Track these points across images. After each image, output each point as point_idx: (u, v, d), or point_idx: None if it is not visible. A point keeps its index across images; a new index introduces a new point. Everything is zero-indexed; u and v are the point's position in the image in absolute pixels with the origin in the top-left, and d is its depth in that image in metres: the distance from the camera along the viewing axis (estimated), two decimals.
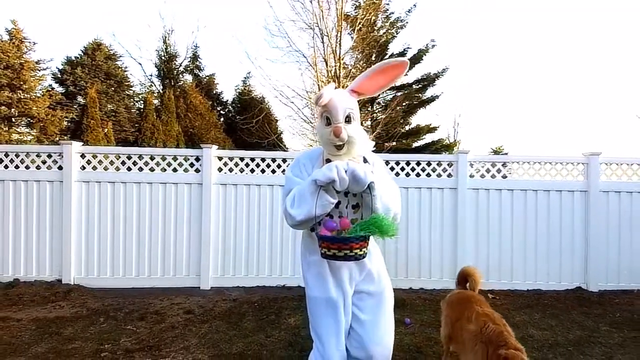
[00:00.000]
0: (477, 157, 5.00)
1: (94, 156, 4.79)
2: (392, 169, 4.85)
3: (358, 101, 1.85)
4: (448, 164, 4.93)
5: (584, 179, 4.84)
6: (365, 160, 1.81)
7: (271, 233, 4.78)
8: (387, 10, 15.83)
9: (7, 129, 13.45)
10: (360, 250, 1.57)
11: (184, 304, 4.05)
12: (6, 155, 4.72)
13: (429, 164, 4.92)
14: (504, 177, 4.94)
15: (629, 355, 2.91)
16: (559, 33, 32.50)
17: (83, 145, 4.98)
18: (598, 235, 4.76)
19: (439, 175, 4.89)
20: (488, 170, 4.91)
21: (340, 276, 1.81)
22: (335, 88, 1.79)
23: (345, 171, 1.58)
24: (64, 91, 16.95)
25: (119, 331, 3.33)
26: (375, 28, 14.70)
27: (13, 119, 14.11)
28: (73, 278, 4.62)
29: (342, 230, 1.64)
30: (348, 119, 1.71)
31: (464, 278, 2.67)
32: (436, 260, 4.82)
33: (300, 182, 1.75)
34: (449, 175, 4.89)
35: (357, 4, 13.84)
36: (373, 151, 2.05)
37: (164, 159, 4.85)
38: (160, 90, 17.64)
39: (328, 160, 1.75)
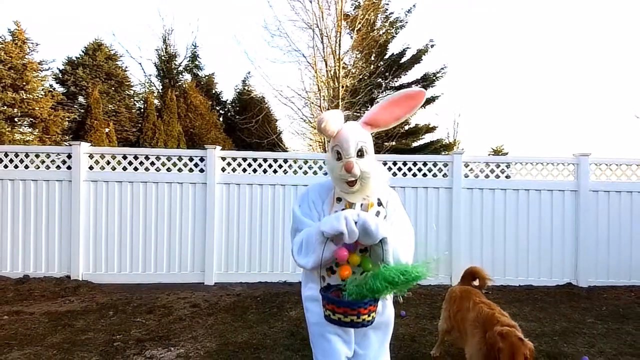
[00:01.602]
0: (471, 157, 5.18)
1: (102, 156, 4.96)
2: (389, 169, 5.03)
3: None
4: (443, 165, 5.11)
5: (575, 179, 5.02)
6: (379, 203, 1.67)
7: (273, 230, 4.95)
8: (387, 10, 16.00)
9: (10, 129, 13.57)
10: (369, 316, 1.43)
11: (190, 298, 4.23)
12: (16, 155, 4.89)
13: (425, 164, 5.09)
14: (497, 177, 5.12)
15: (610, 345, 3.10)
16: (558, 33, 32.73)
17: (90, 146, 5.15)
18: (588, 233, 4.95)
19: (434, 175, 5.07)
20: (482, 171, 5.10)
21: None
22: (346, 121, 1.66)
23: (356, 222, 1.45)
24: (65, 91, 17.08)
25: (129, 323, 3.50)
26: (375, 28, 14.85)
27: (16, 119, 14.24)
28: (81, 274, 4.80)
29: (337, 262, 1.53)
30: (360, 153, 1.56)
31: (472, 276, 2.86)
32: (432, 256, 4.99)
33: (309, 223, 1.62)
34: (444, 175, 5.07)
35: (357, 3, 13.98)
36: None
37: (169, 159, 5.03)
38: (160, 90, 17.78)
39: (339, 199, 1.65)
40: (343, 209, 1.58)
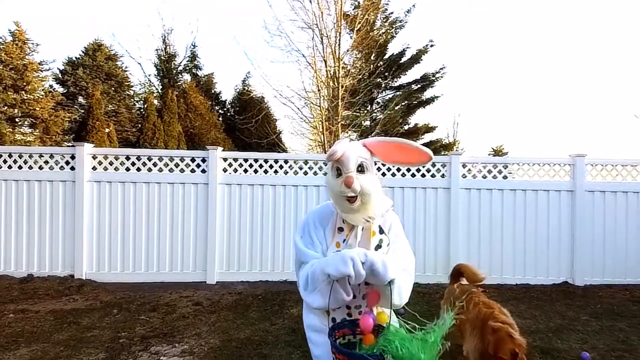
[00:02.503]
0: (469, 158, 5.26)
1: (105, 157, 5.03)
2: (388, 169, 5.11)
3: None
4: (442, 165, 5.18)
5: (571, 179, 5.10)
6: (381, 231, 1.62)
7: (273, 230, 5.03)
8: (386, 10, 16.08)
9: (11, 129, 13.64)
10: None
11: (192, 296, 4.30)
12: (20, 156, 4.95)
13: (423, 165, 5.16)
14: (495, 177, 5.19)
15: (602, 341, 3.18)
16: (558, 33, 32.82)
17: (94, 147, 5.22)
18: (584, 233, 5.03)
19: (433, 176, 5.15)
20: (480, 171, 5.18)
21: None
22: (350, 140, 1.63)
23: (363, 263, 1.40)
24: (64, 92, 17.14)
25: (133, 321, 3.57)
26: (375, 28, 14.92)
27: (17, 120, 14.30)
28: (85, 273, 4.87)
29: (361, 334, 1.45)
30: (361, 169, 1.53)
31: (460, 274, 2.93)
32: (430, 256, 5.08)
33: (313, 255, 1.57)
34: (443, 176, 5.15)
35: (356, 3, 14.03)
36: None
37: (171, 159, 5.10)
38: (160, 90, 17.84)
39: (341, 230, 1.60)
40: (344, 240, 1.57)
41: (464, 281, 2.93)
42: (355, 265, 1.38)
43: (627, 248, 5.04)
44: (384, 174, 5.11)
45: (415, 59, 16.75)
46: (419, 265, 5.05)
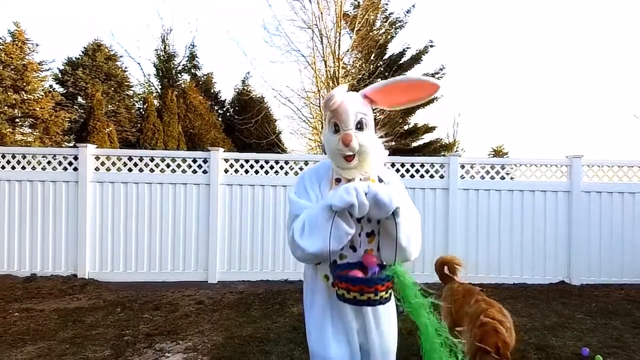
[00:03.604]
0: (468, 159, 5.34)
1: (108, 158, 5.09)
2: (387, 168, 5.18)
3: None
4: (440, 166, 5.25)
5: (567, 180, 5.17)
6: (380, 180, 1.55)
7: (274, 230, 5.09)
8: (386, 10, 16.11)
9: (11, 129, 13.67)
10: (386, 293, 1.33)
11: (194, 295, 4.36)
12: (23, 157, 5.01)
13: (422, 165, 5.24)
14: (492, 178, 5.26)
15: (596, 338, 3.26)
16: (557, 33, 32.93)
17: (97, 148, 5.28)
18: (580, 233, 5.11)
19: (431, 177, 5.22)
20: (478, 172, 5.25)
21: (346, 327, 1.53)
22: (348, 91, 1.54)
23: (366, 194, 1.34)
24: (64, 92, 17.16)
25: (137, 319, 3.63)
26: (374, 28, 14.97)
27: (17, 120, 14.33)
28: (88, 273, 4.92)
29: (367, 268, 1.43)
30: (360, 126, 1.46)
31: (442, 266, 3.01)
32: (429, 256, 5.12)
33: (309, 205, 1.49)
34: (441, 177, 5.22)
35: (356, 3, 14.07)
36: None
37: (174, 160, 5.16)
38: (159, 90, 17.86)
39: (338, 180, 1.52)
40: None
41: (447, 272, 2.99)
42: (359, 195, 1.33)
43: (623, 248, 5.11)
44: None
45: (415, 59, 16.80)
46: (418, 265, 5.13)
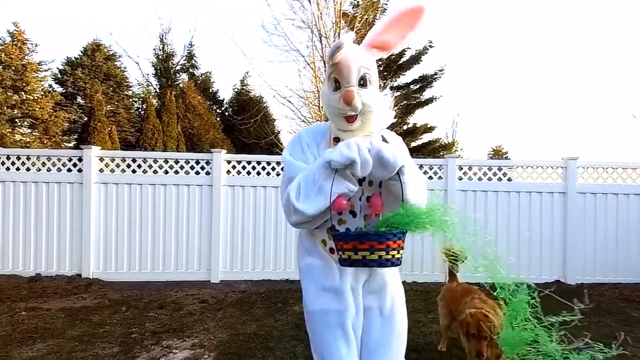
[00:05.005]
0: (466, 161, 5.45)
1: (112, 159, 5.17)
2: None
3: None
4: (438, 167, 5.35)
5: (563, 182, 5.28)
6: (384, 140, 1.43)
7: (276, 230, 5.18)
8: (386, 10, 16.17)
9: (10, 130, 13.70)
10: (398, 252, 1.19)
11: (198, 294, 4.45)
12: (28, 158, 5.08)
13: (421, 166, 5.33)
14: (490, 179, 5.36)
15: (589, 335, 3.34)
16: (557, 33, 33.14)
17: (101, 149, 5.36)
18: (575, 233, 5.22)
19: (430, 178, 5.32)
20: (475, 173, 5.35)
21: (346, 283, 1.42)
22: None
23: (369, 151, 1.21)
24: (63, 92, 17.18)
25: (143, 318, 3.71)
26: None
27: (16, 120, 14.35)
28: (92, 272, 5.00)
29: (374, 215, 1.30)
30: (363, 82, 1.32)
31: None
32: (427, 255, 5.24)
33: (305, 167, 1.35)
34: (440, 178, 5.32)
35: (356, 3, 14.12)
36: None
37: (177, 162, 5.24)
38: (157, 90, 17.90)
39: (337, 140, 1.37)
40: None
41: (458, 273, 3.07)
42: (361, 151, 1.20)
43: (617, 248, 5.22)
44: None
45: (415, 59, 16.87)
46: (417, 265, 5.23)
